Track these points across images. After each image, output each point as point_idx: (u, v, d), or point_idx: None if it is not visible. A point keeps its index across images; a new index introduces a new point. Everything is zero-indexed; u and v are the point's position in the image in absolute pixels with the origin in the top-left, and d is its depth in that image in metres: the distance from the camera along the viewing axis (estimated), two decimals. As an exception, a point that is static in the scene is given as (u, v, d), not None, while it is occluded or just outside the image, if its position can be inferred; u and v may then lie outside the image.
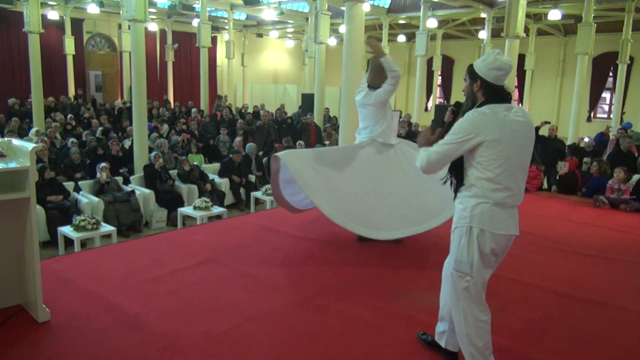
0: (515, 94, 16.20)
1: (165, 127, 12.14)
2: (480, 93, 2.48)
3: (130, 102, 10.31)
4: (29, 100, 12.99)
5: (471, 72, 2.52)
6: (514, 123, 2.39)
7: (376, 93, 4.57)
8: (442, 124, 10.09)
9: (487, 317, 2.59)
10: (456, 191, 2.56)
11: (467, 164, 2.48)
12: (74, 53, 16.18)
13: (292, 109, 17.18)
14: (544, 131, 9.32)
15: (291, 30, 21.42)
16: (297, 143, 10.46)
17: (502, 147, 2.35)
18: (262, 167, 9.62)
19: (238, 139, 10.32)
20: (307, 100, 13.38)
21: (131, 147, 9.18)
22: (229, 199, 8.77)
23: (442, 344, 2.85)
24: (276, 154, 4.44)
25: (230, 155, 9.14)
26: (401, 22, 18.16)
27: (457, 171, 2.53)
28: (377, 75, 4.61)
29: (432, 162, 2.47)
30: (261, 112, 13.49)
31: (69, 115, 12.38)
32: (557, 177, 7.97)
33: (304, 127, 12.22)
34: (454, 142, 2.40)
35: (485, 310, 2.59)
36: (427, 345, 2.98)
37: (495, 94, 2.44)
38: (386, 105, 4.65)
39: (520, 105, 19.30)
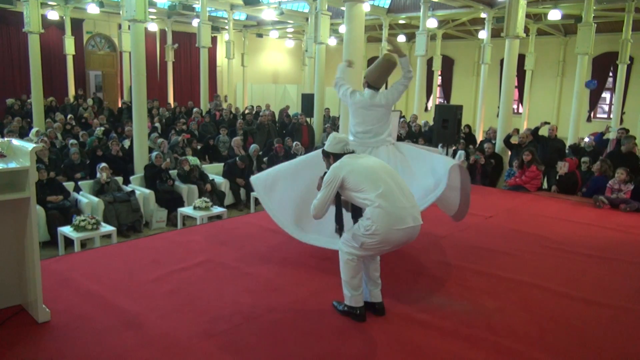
0: (515, 94, 16.16)
1: (157, 125, 12.11)
2: (333, 161, 3.31)
3: (130, 102, 10.31)
4: (29, 100, 12.98)
5: (325, 153, 3.39)
6: (355, 159, 3.30)
7: (388, 93, 4.42)
8: (442, 124, 10.06)
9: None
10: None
11: (348, 197, 3.27)
12: (74, 53, 16.16)
13: (292, 109, 17.18)
14: (544, 131, 9.32)
15: (291, 30, 21.40)
16: (295, 143, 10.46)
17: (357, 170, 3.20)
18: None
19: (236, 138, 10.30)
20: (307, 101, 13.37)
21: (131, 147, 9.18)
22: (229, 199, 8.78)
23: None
24: (251, 177, 4.82)
25: (237, 160, 9.13)
26: (401, 22, 18.14)
27: (339, 217, 3.47)
28: (384, 75, 4.49)
29: (318, 207, 3.24)
30: (260, 113, 13.48)
31: (69, 116, 12.38)
32: (557, 177, 7.97)
33: (296, 128, 12.21)
34: (326, 190, 3.21)
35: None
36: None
37: (340, 157, 3.30)
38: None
39: (520, 105, 19.39)
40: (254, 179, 4.78)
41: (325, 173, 3.29)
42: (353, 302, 3.31)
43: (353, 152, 3.35)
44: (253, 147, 9.82)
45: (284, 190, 4.60)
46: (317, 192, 3.28)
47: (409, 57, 4.68)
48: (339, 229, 3.43)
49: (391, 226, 3.08)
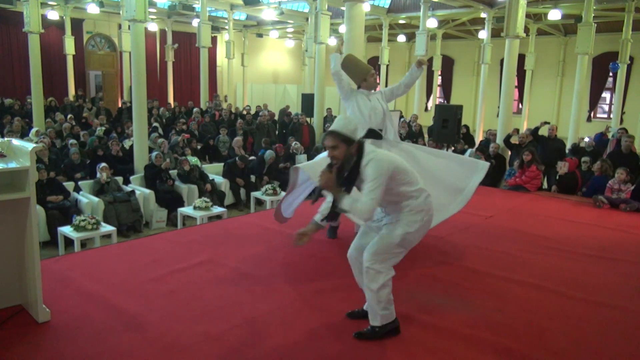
0: (515, 94, 16.17)
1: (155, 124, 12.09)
2: (355, 151, 2.82)
3: (130, 102, 10.31)
4: (29, 100, 12.97)
5: (347, 139, 2.80)
6: (392, 152, 3.24)
7: (387, 94, 4.66)
8: (441, 124, 10.06)
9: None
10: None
11: (392, 189, 2.89)
12: (74, 53, 16.16)
13: (292, 109, 17.16)
14: (544, 131, 9.32)
15: (291, 30, 21.41)
16: (294, 143, 10.44)
17: (401, 165, 2.98)
18: (270, 171, 9.54)
19: (237, 138, 10.31)
20: (307, 100, 13.37)
21: (131, 147, 9.18)
22: (229, 199, 8.78)
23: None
24: (296, 165, 4.34)
25: (237, 160, 9.12)
26: (401, 22, 18.15)
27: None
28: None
29: (374, 208, 2.75)
30: (260, 113, 13.47)
31: (69, 115, 12.37)
32: (557, 177, 7.97)
33: (297, 127, 12.21)
34: (380, 185, 2.75)
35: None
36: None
37: (360, 144, 2.85)
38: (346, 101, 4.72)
39: (520, 105, 19.40)
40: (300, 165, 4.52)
41: (330, 165, 2.80)
42: (390, 316, 3.07)
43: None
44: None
45: None
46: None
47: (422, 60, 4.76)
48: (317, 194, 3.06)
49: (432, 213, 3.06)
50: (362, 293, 3.66)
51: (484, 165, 4.72)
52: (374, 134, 4.59)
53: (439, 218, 4.35)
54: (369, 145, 2.86)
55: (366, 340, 3.05)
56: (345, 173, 2.84)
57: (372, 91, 4.69)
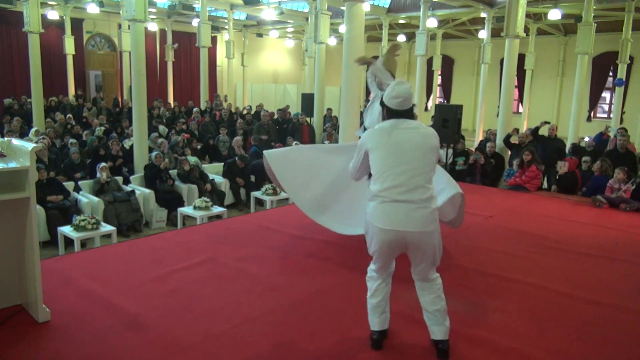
0: (515, 94, 16.17)
1: (162, 128, 12.08)
2: (386, 115, 2.92)
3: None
4: (29, 100, 12.97)
5: (381, 102, 2.94)
6: (398, 133, 2.78)
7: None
8: (442, 124, 10.04)
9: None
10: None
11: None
12: (74, 53, 16.17)
13: (292, 109, 17.16)
14: (544, 131, 9.32)
15: (291, 30, 21.41)
16: (294, 143, 10.43)
17: (381, 153, 2.77)
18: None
19: (237, 138, 10.30)
20: (307, 100, 13.37)
21: (131, 147, 9.18)
22: (229, 199, 8.77)
23: None
24: (264, 151, 4.71)
25: (237, 160, 9.13)
26: (401, 21, 18.15)
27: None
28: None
29: (351, 171, 3.05)
30: (261, 112, 13.46)
31: (68, 115, 12.37)
32: (557, 177, 7.97)
33: (297, 127, 12.21)
34: (356, 155, 2.96)
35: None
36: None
37: (393, 115, 2.86)
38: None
39: (520, 105, 19.40)
40: (268, 153, 4.85)
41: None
42: (370, 323, 2.98)
43: (411, 115, 2.88)
44: None
45: (303, 171, 4.77)
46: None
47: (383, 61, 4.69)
48: None
49: (374, 221, 2.75)
50: (362, 293, 3.67)
51: (457, 189, 4.32)
52: None
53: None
54: (394, 120, 2.82)
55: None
56: None
57: None
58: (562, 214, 6.51)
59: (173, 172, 8.46)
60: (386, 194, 2.70)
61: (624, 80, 14.38)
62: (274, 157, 4.79)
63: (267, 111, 13.84)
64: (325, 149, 5.33)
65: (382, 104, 2.90)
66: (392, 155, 2.74)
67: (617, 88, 14.95)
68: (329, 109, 14.32)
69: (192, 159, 9.12)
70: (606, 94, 18.72)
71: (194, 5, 15.86)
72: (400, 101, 2.81)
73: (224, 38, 19.68)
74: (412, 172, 2.71)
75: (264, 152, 4.83)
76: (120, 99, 17.51)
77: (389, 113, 2.85)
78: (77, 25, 16.74)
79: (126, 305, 3.43)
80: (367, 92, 21.44)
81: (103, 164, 7.66)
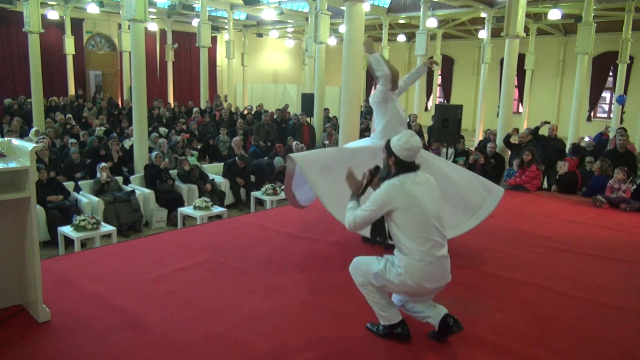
0: (515, 94, 16.19)
1: (162, 128, 12.08)
2: (394, 166, 2.92)
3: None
4: (29, 100, 12.97)
5: (388, 149, 2.94)
6: (419, 190, 2.84)
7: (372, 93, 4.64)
8: (441, 124, 10.05)
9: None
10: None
11: (389, 224, 2.91)
12: (73, 53, 16.17)
13: (292, 109, 17.17)
14: (544, 131, 9.31)
15: (291, 30, 21.41)
16: (295, 143, 10.43)
17: (411, 215, 2.80)
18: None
19: (237, 138, 10.30)
20: (307, 100, 13.37)
21: (131, 147, 9.18)
22: (229, 199, 8.78)
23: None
24: (291, 155, 4.36)
25: (237, 160, 9.12)
26: (401, 21, 18.15)
27: (380, 230, 2.99)
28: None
29: (357, 225, 2.90)
30: (263, 113, 13.47)
31: (68, 115, 12.37)
32: (557, 177, 7.97)
33: (297, 127, 12.20)
34: (371, 209, 2.84)
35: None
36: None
37: (404, 168, 2.90)
38: (383, 105, 4.55)
39: (520, 104, 19.40)
40: (298, 156, 4.52)
41: (376, 167, 2.98)
42: (390, 320, 3.02)
43: (418, 167, 2.95)
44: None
45: (323, 173, 4.47)
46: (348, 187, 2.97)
47: (378, 56, 4.60)
48: (379, 240, 3.04)
49: (423, 282, 2.83)
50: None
51: (499, 191, 4.70)
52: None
53: (450, 234, 4.30)
54: (405, 178, 2.85)
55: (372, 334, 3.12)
56: (381, 177, 2.98)
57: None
58: (562, 214, 6.51)
59: (173, 172, 8.46)
60: (427, 254, 2.80)
61: (625, 96, 14.45)
62: (302, 160, 4.37)
63: (267, 112, 13.84)
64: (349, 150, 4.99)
65: (389, 152, 2.91)
66: (421, 216, 2.81)
67: (616, 88, 14.94)
68: (326, 109, 14.30)
69: (192, 159, 9.12)
70: (606, 94, 18.72)
71: (194, 5, 15.86)
72: (412, 154, 2.90)
73: (224, 38, 19.68)
74: (440, 226, 2.87)
75: (291, 155, 4.40)
76: (120, 99, 17.53)
77: (397, 164, 2.89)
78: (77, 25, 16.74)
79: (126, 305, 3.43)
80: (367, 92, 21.43)
81: (103, 164, 7.66)
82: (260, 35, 21.27)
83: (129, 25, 9.72)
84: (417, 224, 2.80)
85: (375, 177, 3.01)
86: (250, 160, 9.55)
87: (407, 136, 2.90)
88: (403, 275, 2.82)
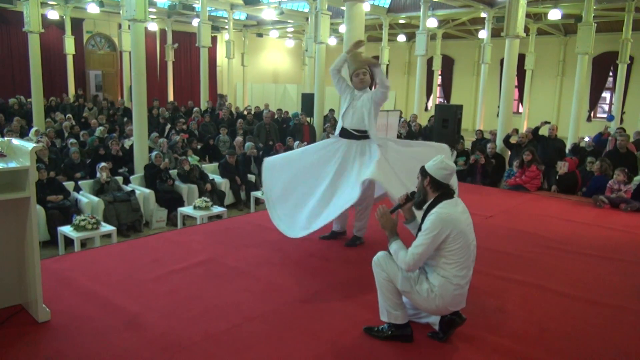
0: (515, 94, 16.19)
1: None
2: (429, 188, 2.94)
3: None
4: (29, 100, 12.96)
5: (423, 171, 2.97)
6: (462, 217, 2.89)
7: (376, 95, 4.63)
8: (442, 124, 10.04)
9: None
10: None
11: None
12: (74, 53, 16.17)
13: (292, 108, 17.18)
14: (544, 131, 9.32)
15: (291, 30, 21.41)
16: (296, 143, 10.43)
17: (462, 241, 2.84)
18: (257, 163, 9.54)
19: (238, 138, 10.31)
20: (307, 100, 13.37)
21: (131, 146, 9.18)
22: (229, 198, 8.77)
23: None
24: (369, 177, 4.22)
25: (226, 156, 9.12)
26: (401, 21, 18.16)
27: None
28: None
29: (417, 262, 2.85)
30: (264, 112, 13.46)
31: (68, 115, 12.36)
32: (557, 177, 7.97)
33: (297, 127, 12.21)
34: (426, 243, 2.81)
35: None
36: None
37: (440, 190, 2.92)
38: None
39: (520, 105, 19.41)
40: (267, 160, 4.86)
41: (413, 193, 3.03)
42: (398, 320, 3.02)
43: (454, 192, 2.99)
44: (248, 145, 9.61)
45: (290, 180, 4.72)
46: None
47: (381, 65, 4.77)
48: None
49: (449, 306, 2.92)
50: (362, 292, 3.68)
51: (446, 147, 4.93)
52: (348, 134, 4.53)
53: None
54: (449, 202, 2.88)
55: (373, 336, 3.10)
56: (416, 202, 3.03)
57: (367, 90, 4.55)
58: (562, 214, 6.51)
59: (173, 172, 8.46)
60: (463, 278, 2.90)
61: (614, 115, 14.97)
62: (268, 166, 4.81)
63: (269, 111, 13.83)
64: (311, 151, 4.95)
65: (424, 174, 2.95)
66: (467, 244, 2.88)
67: (616, 88, 14.96)
68: (332, 110, 14.30)
69: (192, 159, 9.11)
70: (606, 94, 18.73)
71: (194, 5, 15.86)
72: (448, 174, 2.93)
73: (224, 38, 19.68)
74: (475, 252, 2.99)
75: (372, 178, 4.22)
76: (120, 98, 17.50)
77: (434, 185, 2.92)
78: (77, 25, 16.74)
79: (126, 305, 3.43)
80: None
81: (103, 164, 7.66)
82: (260, 35, 21.28)
83: (129, 25, 9.72)
84: (462, 252, 2.85)
85: (411, 202, 3.06)
86: (250, 161, 9.55)
87: (443, 158, 2.99)
88: (434, 294, 2.86)
